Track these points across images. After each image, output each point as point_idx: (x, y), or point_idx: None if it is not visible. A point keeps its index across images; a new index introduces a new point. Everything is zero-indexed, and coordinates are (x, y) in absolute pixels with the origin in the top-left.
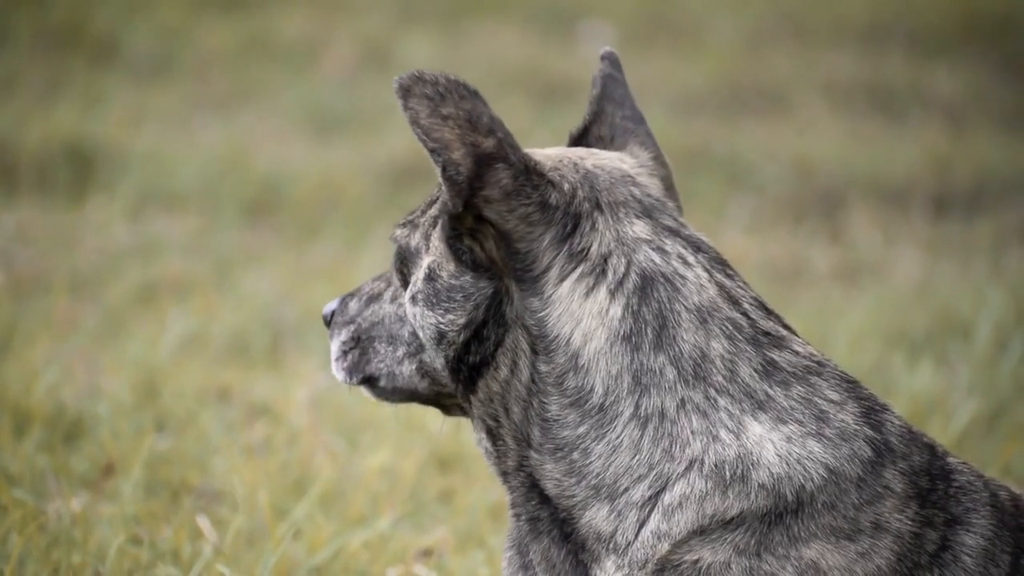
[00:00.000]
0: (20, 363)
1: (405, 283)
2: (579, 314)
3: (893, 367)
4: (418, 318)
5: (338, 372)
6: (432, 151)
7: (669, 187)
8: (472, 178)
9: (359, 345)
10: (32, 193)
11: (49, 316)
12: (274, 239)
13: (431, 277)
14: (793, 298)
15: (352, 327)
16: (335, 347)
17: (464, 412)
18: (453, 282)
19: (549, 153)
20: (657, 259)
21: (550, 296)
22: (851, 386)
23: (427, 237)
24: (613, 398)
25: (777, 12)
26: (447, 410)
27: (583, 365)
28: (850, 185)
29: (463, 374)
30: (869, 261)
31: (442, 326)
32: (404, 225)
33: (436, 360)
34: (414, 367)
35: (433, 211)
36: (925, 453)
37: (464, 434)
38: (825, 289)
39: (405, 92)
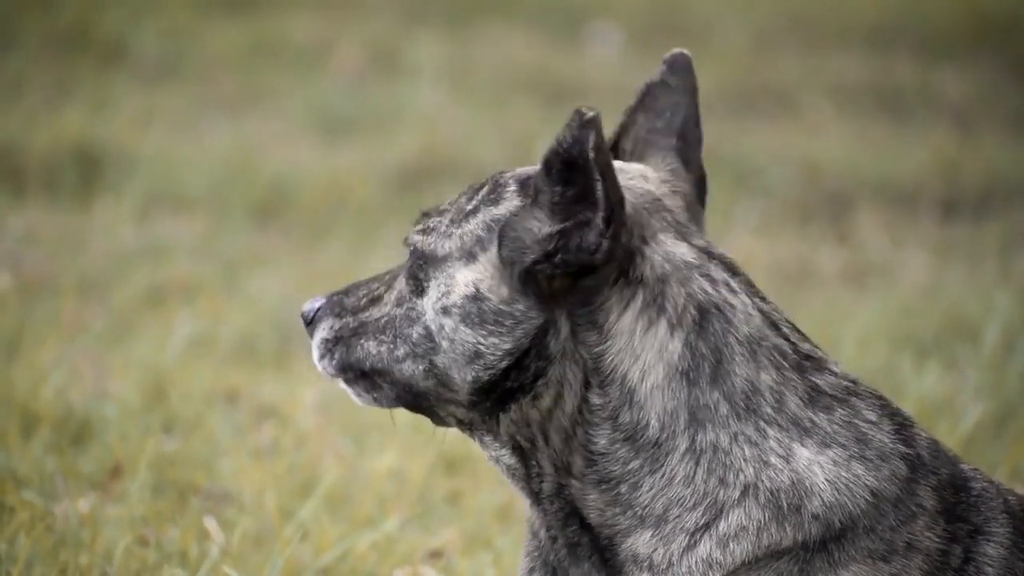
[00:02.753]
0: (28, 365)
1: (419, 288)
2: (639, 350)
3: (901, 369)
4: (448, 331)
5: (327, 368)
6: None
7: (689, 202)
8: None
9: (341, 343)
10: (40, 195)
11: (57, 318)
12: (282, 241)
13: (477, 297)
14: (801, 300)
15: (339, 321)
16: (316, 343)
17: (460, 423)
18: (503, 308)
19: None
20: (708, 288)
21: (610, 330)
22: (883, 403)
23: (470, 255)
24: (668, 433)
25: (784, 14)
26: (439, 420)
27: (638, 401)
28: (858, 187)
29: (494, 395)
30: (877, 263)
31: (481, 347)
32: (426, 232)
33: (463, 372)
34: (420, 368)
35: (476, 227)
36: (948, 465)
37: None
38: (833, 291)
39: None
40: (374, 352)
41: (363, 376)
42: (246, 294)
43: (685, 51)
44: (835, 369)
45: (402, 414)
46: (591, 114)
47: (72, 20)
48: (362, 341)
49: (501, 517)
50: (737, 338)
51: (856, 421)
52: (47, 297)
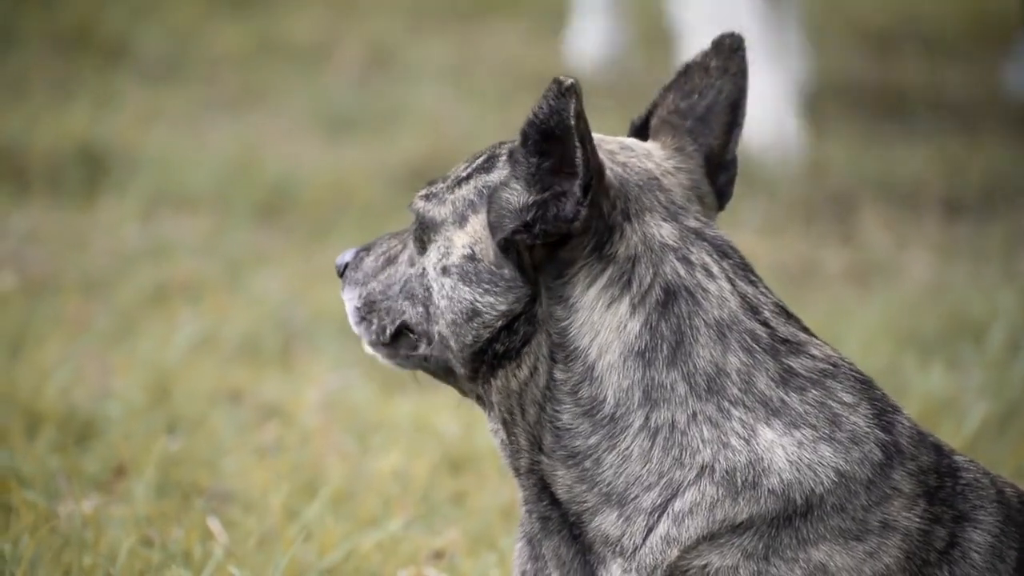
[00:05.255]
0: (31, 364)
1: (424, 250)
2: (599, 326)
3: (905, 369)
4: (447, 289)
5: (364, 335)
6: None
7: (694, 182)
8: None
9: (376, 309)
10: (43, 194)
11: (60, 317)
12: (285, 240)
13: (473, 258)
14: (805, 299)
15: (365, 289)
16: (349, 307)
17: (474, 395)
18: (495, 269)
19: None
20: (682, 271)
21: (575, 303)
22: (865, 387)
23: (463, 218)
24: (624, 409)
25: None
26: (460, 391)
27: (597, 376)
28: (862, 187)
29: (487, 357)
30: (881, 263)
31: (479, 305)
32: (427, 198)
33: (462, 334)
34: (432, 330)
35: (468, 193)
36: (932, 453)
37: (476, 436)
38: (837, 291)
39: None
40: (410, 312)
41: (395, 338)
42: (250, 293)
43: (737, 32)
44: (816, 352)
45: (404, 413)
46: (569, 82)
47: (75, 19)
48: (399, 304)
49: (505, 517)
50: (705, 321)
51: (830, 402)
52: (51, 296)
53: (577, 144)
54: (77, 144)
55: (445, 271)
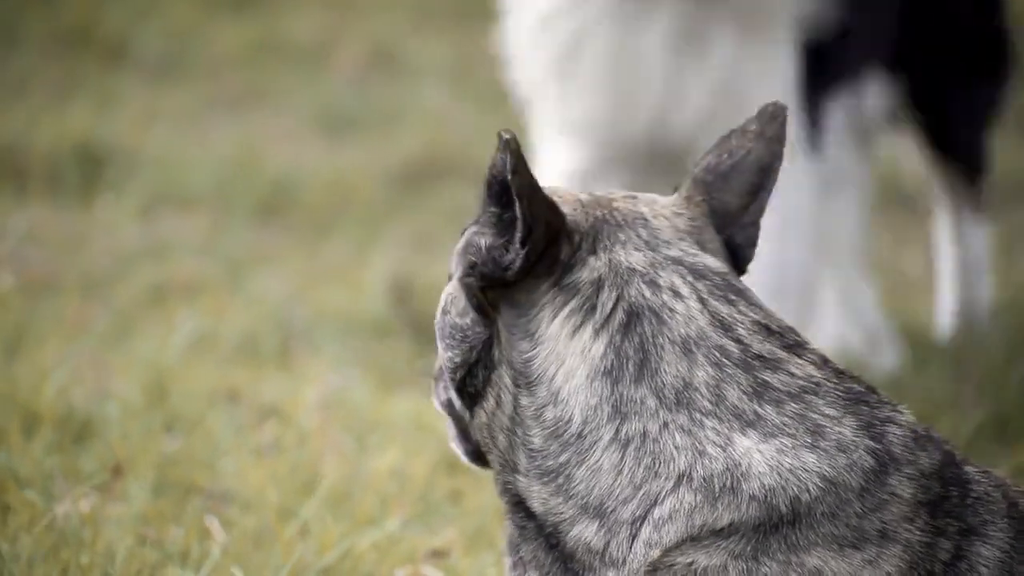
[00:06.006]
0: (30, 364)
1: None
2: (564, 354)
3: (903, 368)
4: (438, 345)
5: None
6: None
7: (694, 225)
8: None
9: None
10: (42, 194)
11: (59, 317)
12: (285, 240)
13: (445, 311)
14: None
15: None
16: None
17: None
18: (457, 320)
19: (581, 199)
20: (647, 293)
21: (540, 337)
22: (850, 403)
23: (453, 269)
24: (592, 425)
25: None
26: None
27: (563, 399)
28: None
29: (465, 400)
30: (882, 262)
31: (443, 360)
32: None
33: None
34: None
35: (460, 242)
36: (936, 455)
37: None
38: None
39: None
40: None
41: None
42: (249, 293)
43: (780, 101)
44: (795, 371)
45: (403, 412)
46: (506, 137)
47: (75, 19)
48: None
49: (503, 517)
50: (670, 339)
51: (811, 415)
52: (49, 296)
53: (515, 198)
54: (77, 144)
55: (436, 326)
